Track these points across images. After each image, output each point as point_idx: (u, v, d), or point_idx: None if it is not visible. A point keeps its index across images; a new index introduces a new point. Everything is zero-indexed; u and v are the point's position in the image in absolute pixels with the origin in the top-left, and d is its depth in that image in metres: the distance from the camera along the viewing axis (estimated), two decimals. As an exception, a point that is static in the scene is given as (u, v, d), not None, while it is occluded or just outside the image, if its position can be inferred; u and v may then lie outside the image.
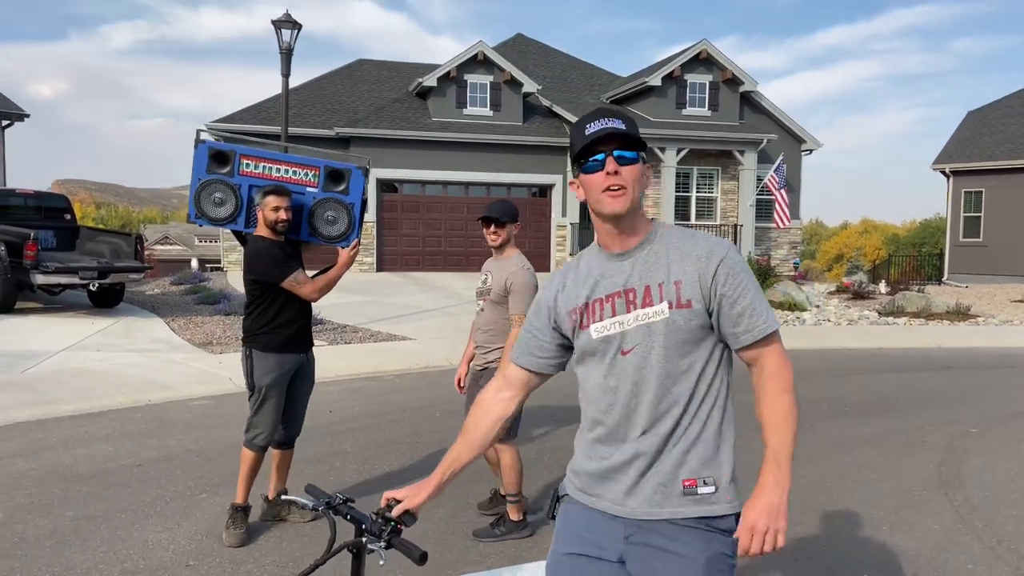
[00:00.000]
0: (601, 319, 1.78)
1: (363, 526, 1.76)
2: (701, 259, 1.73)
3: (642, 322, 1.74)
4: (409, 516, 1.79)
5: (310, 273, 4.14)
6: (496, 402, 1.94)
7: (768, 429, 1.74)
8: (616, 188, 1.71)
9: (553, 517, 1.94)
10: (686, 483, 1.73)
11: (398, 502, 1.81)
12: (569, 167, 19.26)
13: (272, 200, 3.98)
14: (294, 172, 4.27)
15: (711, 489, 1.75)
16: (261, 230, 4.06)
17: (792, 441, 1.73)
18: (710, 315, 1.73)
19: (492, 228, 4.06)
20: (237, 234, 4.41)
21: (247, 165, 4.25)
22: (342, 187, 4.30)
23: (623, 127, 1.72)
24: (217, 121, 19.56)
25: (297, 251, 4.25)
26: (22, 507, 4.51)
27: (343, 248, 4.23)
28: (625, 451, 1.77)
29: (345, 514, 1.81)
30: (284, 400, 4.13)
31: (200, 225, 4.33)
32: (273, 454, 4.26)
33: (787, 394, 1.75)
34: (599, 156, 1.72)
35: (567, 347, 1.89)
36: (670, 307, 1.72)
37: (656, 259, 1.77)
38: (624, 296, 1.76)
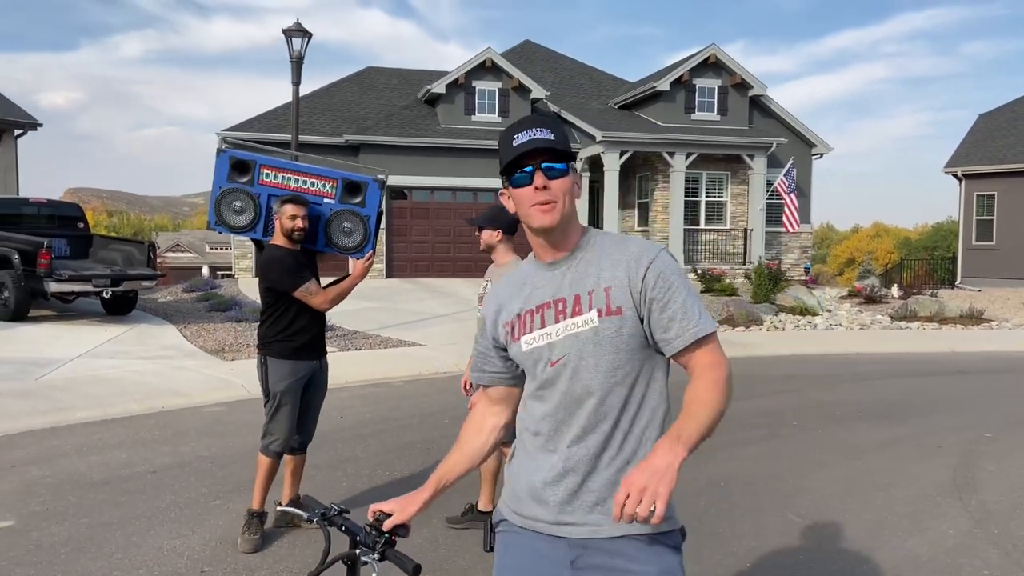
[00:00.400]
0: (530, 331, 1.72)
1: (357, 538, 1.75)
2: (631, 263, 1.66)
3: (570, 332, 1.67)
4: (403, 528, 1.77)
5: (325, 281, 4.18)
6: (487, 416, 1.91)
7: (683, 413, 1.56)
8: (545, 202, 1.65)
9: (491, 549, 1.82)
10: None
11: (387, 515, 1.76)
12: (580, 169, 19.17)
13: (289, 209, 4.04)
14: (312, 183, 4.33)
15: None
16: (277, 239, 4.11)
17: (703, 429, 1.52)
18: (641, 321, 1.65)
19: (478, 233, 4.22)
20: (256, 242, 4.48)
21: (267, 175, 4.33)
22: (359, 199, 4.35)
23: (551, 138, 1.65)
24: (228, 129, 19.68)
25: (312, 260, 4.28)
26: (37, 514, 4.54)
27: (357, 259, 4.26)
28: (555, 465, 1.69)
29: (340, 525, 1.80)
30: (299, 406, 4.16)
31: (220, 232, 4.40)
32: (286, 460, 4.28)
33: (717, 388, 1.58)
34: (527, 169, 1.65)
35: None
36: (599, 315, 1.64)
37: (587, 267, 1.70)
38: (553, 306, 1.70)
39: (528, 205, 1.67)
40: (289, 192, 4.26)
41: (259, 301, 4.28)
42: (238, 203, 4.30)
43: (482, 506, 4.44)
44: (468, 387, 4.44)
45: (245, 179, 4.32)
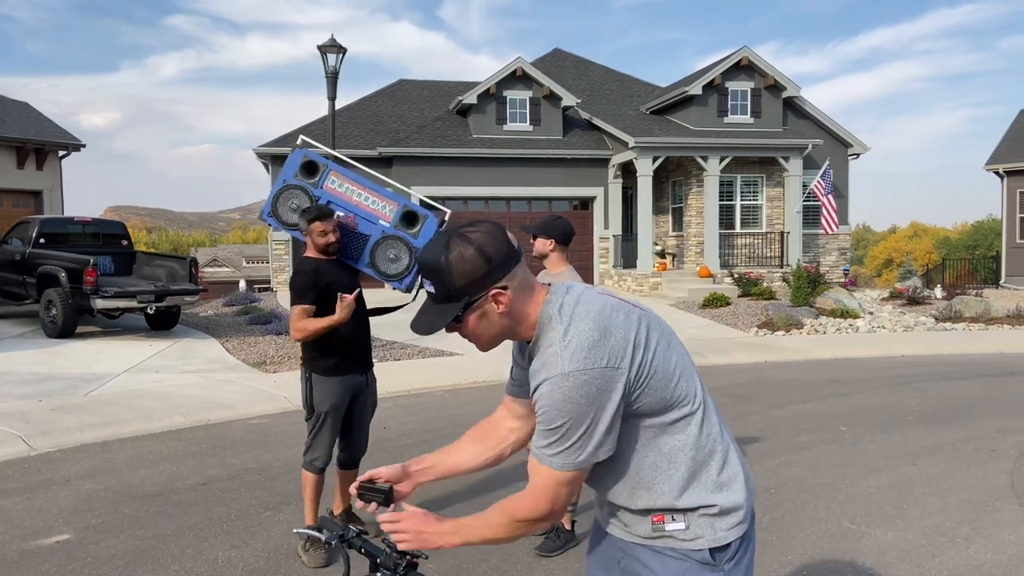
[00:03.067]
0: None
1: (377, 560, 1.72)
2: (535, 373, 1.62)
3: None
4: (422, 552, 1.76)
5: (372, 297, 4.18)
6: (502, 428, 1.90)
7: (487, 512, 1.66)
8: (472, 339, 1.67)
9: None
10: (655, 519, 1.65)
11: (378, 490, 1.80)
12: (611, 178, 19.12)
13: (319, 226, 3.98)
14: (373, 202, 4.35)
15: (681, 525, 1.64)
16: (310, 250, 4.09)
17: (483, 535, 1.65)
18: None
19: (531, 242, 4.18)
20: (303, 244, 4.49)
21: (332, 181, 4.36)
22: (414, 230, 4.34)
23: (432, 290, 1.63)
24: (264, 145, 19.95)
25: (351, 272, 4.20)
26: (93, 527, 4.62)
27: (396, 288, 4.21)
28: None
29: (359, 547, 1.77)
30: (341, 422, 4.16)
31: (270, 225, 4.42)
32: (338, 474, 4.29)
33: (510, 515, 1.63)
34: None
35: None
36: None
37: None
38: None
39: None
40: (348, 204, 4.26)
41: None
42: (296, 201, 4.33)
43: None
44: None
45: (311, 180, 4.35)
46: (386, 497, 1.74)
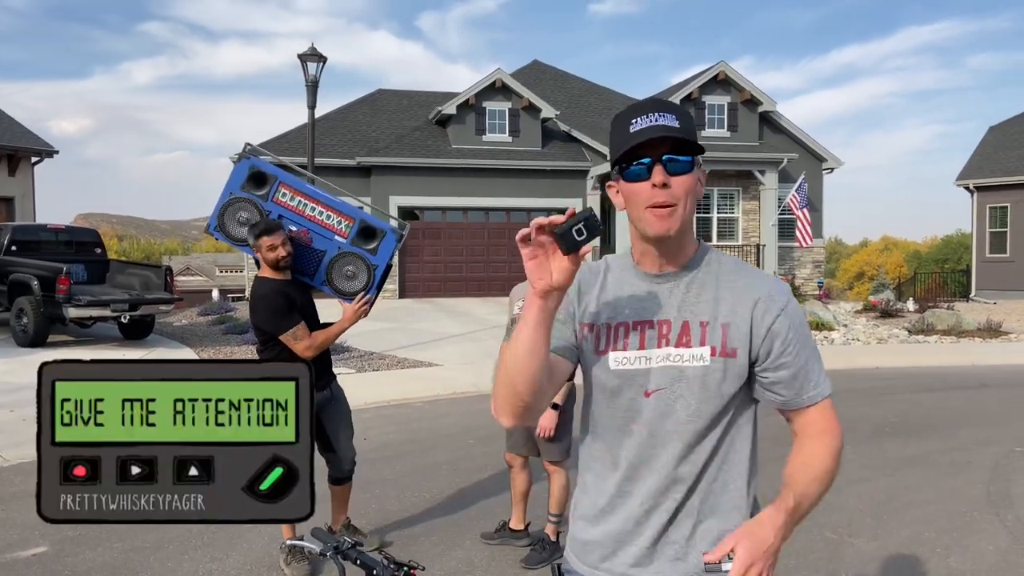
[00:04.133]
0: (625, 348, 1.50)
1: (373, 571, 1.71)
2: (759, 303, 1.47)
3: (673, 363, 1.47)
4: (420, 567, 1.74)
5: (324, 313, 4.01)
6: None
7: (794, 481, 1.49)
8: (664, 205, 1.42)
9: None
10: (707, 560, 1.41)
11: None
12: (589, 189, 19.02)
13: (266, 241, 3.79)
14: (328, 216, 4.07)
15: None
16: (265, 270, 3.87)
17: (812, 505, 1.49)
18: (751, 367, 1.49)
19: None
20: (256, 260, 4.22)
21: (284, 195, 4.05)
22: (372, 246, 4.07)
23: (676, 125, 1.42)
24: (238, 154, 19.77)
25: (307, 293, 4.05)
26: (71, 540, 4.53)
27: (348, 303, 3.99)
28: (633, 511, 1.52)
29: (355, 559, 1.75)
30: (318, 440, 4.05)
31: (217, 238, 4.12)
32: (331, 491, 4.20)
33: (832, 457, 1.51)
34: (645, 161, 1.42)
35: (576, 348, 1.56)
36: (713, 353, 1.46)
37: (700, 291, 1.50)
38: (657, 328, 1.49)
39: (643, 206, 1.45)
40: (301, 218, 4.01)
41: None
42: (244, 214, 4.02)
43: (514, 524, 4.42)
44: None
45: (260, 192, 4.04)
46: (589, 223, 1.33)
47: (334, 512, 4.26)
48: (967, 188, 22.98)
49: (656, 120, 1.42)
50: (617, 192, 1.51)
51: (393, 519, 4.88)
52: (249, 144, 4.34)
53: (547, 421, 4.05)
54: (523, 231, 1.34)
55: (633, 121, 1.44)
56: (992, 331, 14.42)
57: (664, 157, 1.42)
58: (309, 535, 1.92)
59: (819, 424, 1.54)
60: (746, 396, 1.53)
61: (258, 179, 4.08)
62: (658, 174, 1.42)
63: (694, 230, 1.55)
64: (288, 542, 2.18)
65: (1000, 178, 22.08)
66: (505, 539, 4.42)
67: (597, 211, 19.59)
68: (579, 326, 1.55)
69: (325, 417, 4.06)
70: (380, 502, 5.20)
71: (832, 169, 23.10)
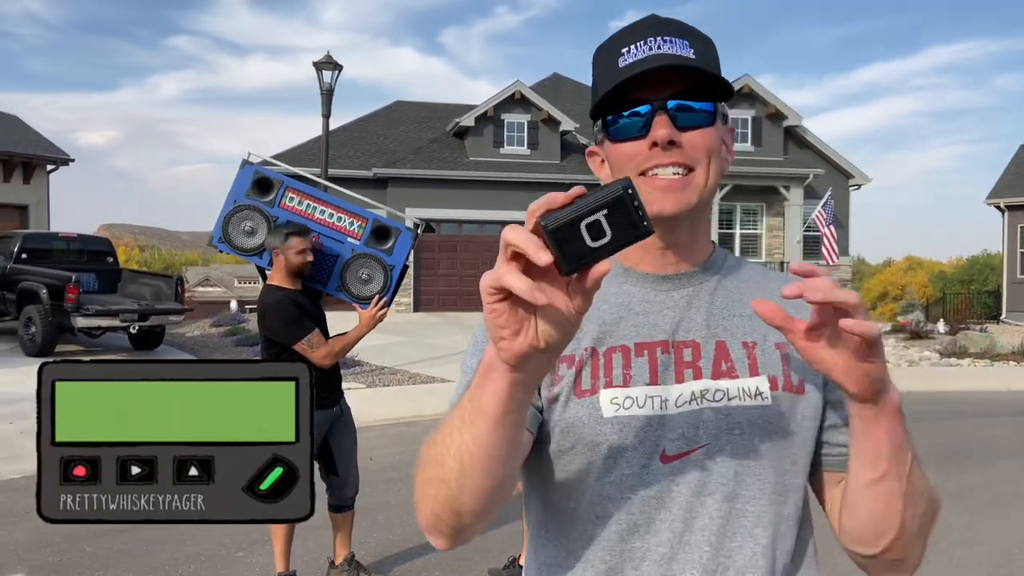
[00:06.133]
0: (626, 383, 0.96)
1: None
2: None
3: (712, 404, 0.95)
4: None
5: (334, 325, 3.78)
6: None
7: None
8: (670, 171, 0.95)
9: None
10: None
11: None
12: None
13: (297, 242, 3.58)
14: (339, 218, 3.90)
15: None
16: (277, 277, 3.64)
17: (914, 488, 0.91)
18: (823, 416, 1.00)
19: None
20: (260, 271, 4.06)
21: (291, 199, 3.88)
22: (387, 246, 3.90)
23: (690, 55, 0.95)
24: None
25: (316, 302, 3.84)
26: (51, 566, 4.26)
27: (364, 309, 3.77)
28: None
29: None
30: (323, 461, 3.80)
31: (220, 251, 3.91)
32: (332, 519, 3.91)
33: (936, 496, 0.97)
34: (642, 109, 0.95)
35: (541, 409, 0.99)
36: (773, 387, 0.96)
37: (732, 300, 1.02)
38: (674, 350, 0.98)
39: (635, 172, 0.96)
40: (310, 222, 3.81)
41: None
42: (249, 223, 3.83)
43: (524, 560, 4.08)
44: None
45: (266, 199, 3.86)
46: (616, 209, 0.68)
47: (336, 545, 3.94)
48: (998, 207, 22.41)
49: (659, 47, 0.94)
50: (602, 161, 1.04)
51: (395, 550, 4.55)
52: (251, 152, 4.09)
53: None
54: (518, 244, 0.69)
55: (624, 51, 0.96)
56: (1027, 354, 13.90)
57: (670, 103, 0.94)
58: None
59: None
60: (813, 451, 1.01)
61: (263, 185, 3.89)
62: (661, 126, 0.93)
63: (712, 223, 1.13)
64: None
65: (1033, 197, 21.52)
66: (515, 575, 4.09)
67: None
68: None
69: (332, 437, 3.80)
70: (382, 531, 4.88)
71: (859, 186, 22.65)
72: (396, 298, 3.99)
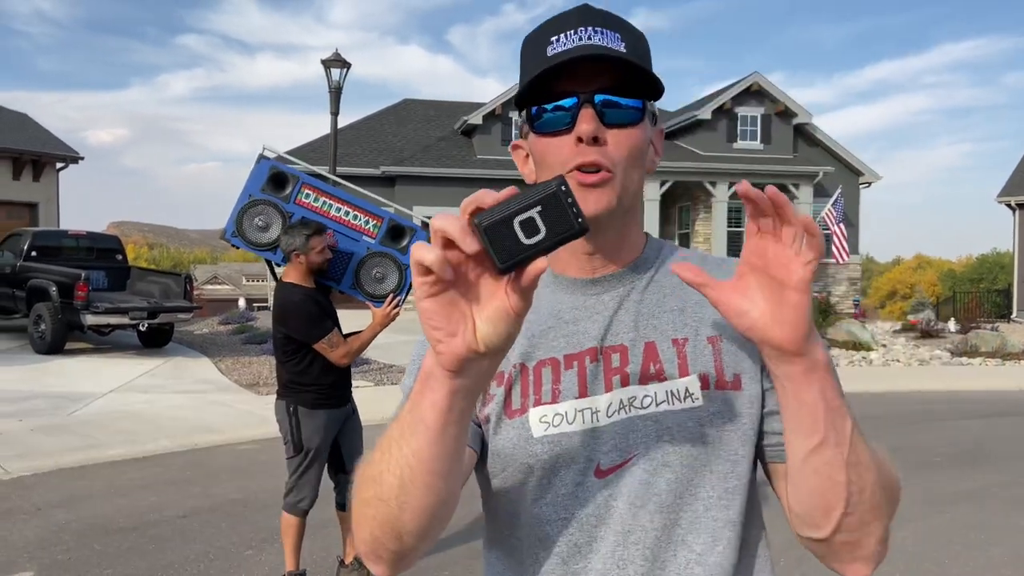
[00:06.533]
0: (554, 399, 0.93)
1: None
2: None
3: (640, 410, 0.91)
4: None
5: (345, 322, 3.76)
6: None
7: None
8: (592, 170, 0.90)
9: None
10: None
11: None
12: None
13: (318, 242, 3.56)
14: (355, 216, 3.89)
15: None
16: (292, 275, 3.62)
17: (857, 448, 0.82)
18: (763, 406, 0.94)
19: None
20: (270, 265, 4.03)
21: (307, 195, 3.86)
22: (401, 245, 3.91)
23: (621, 49, 0.91)
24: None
25: (329, 300, 3.83)
26: (59, 564, 4.24)
27: (377, 307, 3.76)
28: None
29: None
30: (332, 459, 3.80)
31: (234, 245, 3.87)
32: (341, 518, 3.90)
33: (895, 471, 0.91)
34: (567, 102, 0.91)
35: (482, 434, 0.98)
36: (704, 385, 0.91)
37: (664, 296, 0.97)
38: (603, 358, 0.94)
39: (561, 170, 0.90)
40: (326, 219, 3.80)
41: None
42: (262, 218, 3.80)
43: None
44: None
45: (282, 194, 3.85)
46: (550, 205, 0.67)
47: (346, 544, 3.92)
48: (1008, 205, 22.24)
49: (588, 38, 0.90)
50: (526, 156, 1.00)
51: (405, 549, 4.52)
52: (267, 146, 4.06)
53: None
54: (447, 231, 0.65)
55: (554, 40, 0.92)
56: (1040, 354, 13.77)
57: (597, 97, 0.90)
58: None
59: None
60: (754, 454, 0.95)
61: (279, 180, 3.88)
62: (585, 120, 0.89)
63: (642, 217, 1.04)
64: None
65: (1044, 195, 21.35)
66: None
67: None
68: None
69: (342, 436, 3.80)
70: (392, 529, 4.85)
71: (869, 183, 22.51)
72: (407, 296, 3.96)
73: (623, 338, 0.94)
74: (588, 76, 0.90)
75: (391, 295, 3.78)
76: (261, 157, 3.95)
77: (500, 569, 1.00)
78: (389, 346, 13.08)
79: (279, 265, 3.86)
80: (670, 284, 0.97)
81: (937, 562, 4.42)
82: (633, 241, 1.00)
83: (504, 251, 0.65)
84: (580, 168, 0.90)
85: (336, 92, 12.11)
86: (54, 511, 5.15)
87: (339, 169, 15.94)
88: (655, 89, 0.93)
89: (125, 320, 11.45)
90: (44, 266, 11.87)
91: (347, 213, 3.90)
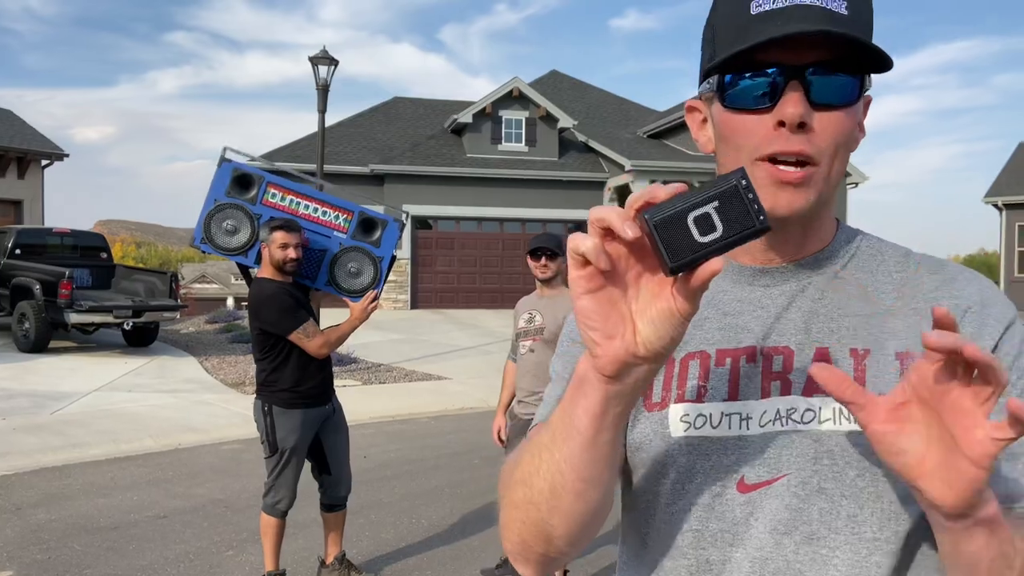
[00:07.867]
0: (700, 398, 0.83)
1: None
2: (968, 315, 0.80)
3: (800, 425, 0.80)
4: None
5: (325, 321, 3.75)
6: None
7: None
8: (796, 162, 0.77)
9: None
10: None
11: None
12: (606, 201, 18.86)
13: (280, 236, 3.54)
14: (324, 212, 3.84)
15: None
16: (266, 270, 3.61)
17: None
18: None
19: (543, 260, 3.74)
20: (243, 270, 3.99)
21: (273, 195, 3.80)
22: (374, 238, 3.87)
23: (844, 13, 0.76)
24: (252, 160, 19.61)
25: (306, 296, 3.79)
26: (38, 564, 4.20)
27: (355, 302, 3.74)
28: None
29: None
30: (316, 460, 3.77)
31: (204, 252, 3.84)
32: (324, 519, 3.86)
33: None
34: (772, 71, 0.77)
35: None
36: None
37: (847, 298, 0.84)
38: (763, 359, 0.83)
39: (754, 156, 0.79)
40: (295, 218, 3.74)
41: None
42: (231, 222, 3.75)
43: None
44: (502, 437, 4.02)
45: (247, 196, 3.79)
46: (730, 202, 0.62)
47: (328, 544, 3.89)
48: (995, 205, 22.40)
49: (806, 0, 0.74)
50: (704, 120, 0.87)
51: (387, 549, 4.50)
52: (228, 147, 4.01)
53: None
54: (606, 219, 0.61)
55: None
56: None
57: (809, 71, 0.76)
58: None
59: None
60: None
61: (243, 182, 3.83)
62: (792, 103, 0.75)
63: (834, 202, 0.87)
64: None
65: (1030, 195, 21.50)
66: (507, 575, 4.04)
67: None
68: None
69: (324, 435, 3.75)
70: (375, 529, 4.83)
71: (857, 184, 22.62)
72: (394, 295, 3.95)
73: (790, 340, 0.82)
74: (800, 44, 0.75)
75: (369, 290, 3.76)
76: (222, 160, 3.87)
77: (630, 566, 0.93)
78: (378, 345, 13.06)
79: (253, 268, 3.83)
80: (858, 282, 0.84)
81: None
82: (821, 230, 0.86)
83: (676, 249, 0.59)
84: (778, 158, 0.77)
85: (323, 89, 12.05)
86: (33, 511, 5.10)
87: (328, 167, 15.87)
88: (882, 59, 0.77)
89: (109, 319, 11.36)
90: (28, 264, 11.78)
91: (315, 210, 3.85)
